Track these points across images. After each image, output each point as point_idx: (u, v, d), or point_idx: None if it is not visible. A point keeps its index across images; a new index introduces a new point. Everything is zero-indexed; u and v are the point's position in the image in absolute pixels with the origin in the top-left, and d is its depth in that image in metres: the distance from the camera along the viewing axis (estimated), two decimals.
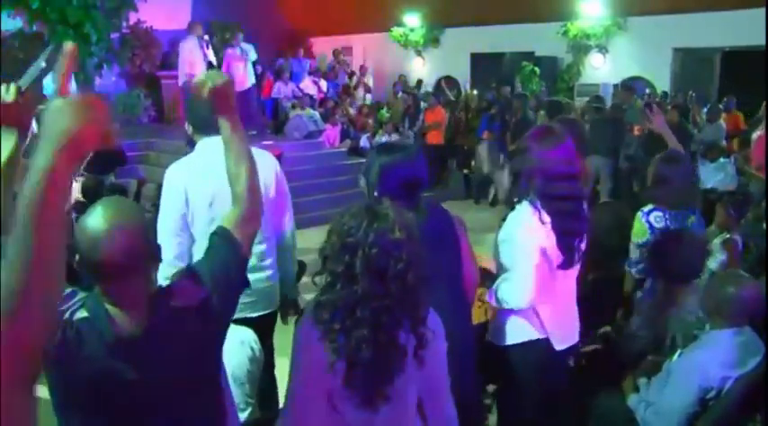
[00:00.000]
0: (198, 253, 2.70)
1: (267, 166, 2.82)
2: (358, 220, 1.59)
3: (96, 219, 1.38)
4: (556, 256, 2.45)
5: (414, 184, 2.19)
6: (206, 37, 8.99)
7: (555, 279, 2.47)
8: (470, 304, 2.50)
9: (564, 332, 2.56)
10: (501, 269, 2.54)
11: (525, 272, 2.39)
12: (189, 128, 2.83)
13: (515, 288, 2.42)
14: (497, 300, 2.50)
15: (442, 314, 2.20)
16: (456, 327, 2.29)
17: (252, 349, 2.49)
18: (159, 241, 2.66)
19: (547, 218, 2.41)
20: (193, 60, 8.93)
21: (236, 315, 2.68)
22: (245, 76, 9.58)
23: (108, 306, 1.42)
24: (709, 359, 2.48)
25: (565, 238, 2.43)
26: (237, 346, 2.48)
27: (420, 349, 1.64)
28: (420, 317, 1.64)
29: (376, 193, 2.20)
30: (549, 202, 2.40)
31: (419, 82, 13.83)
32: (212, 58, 9.28)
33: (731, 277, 2.63)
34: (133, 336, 1.42)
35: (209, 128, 2.70)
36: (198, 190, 2.67)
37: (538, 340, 2.51)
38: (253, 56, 9.77)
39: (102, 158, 5.12)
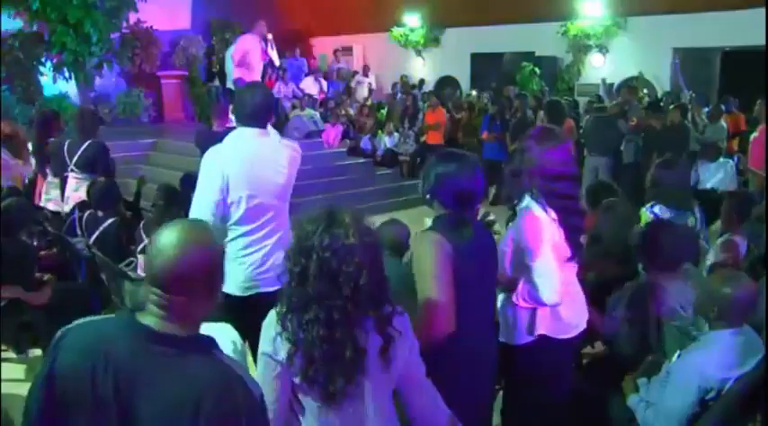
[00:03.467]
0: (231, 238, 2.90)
1: (294, 157, 3.10)
2: (315, 225, 1.66)
3: (171, 236, 1.41)
4: (563, 250, 2.50)
5: (466, 196, 2.25)
6: (269, 36, 8.94)
7: (563, 271, 2.52)
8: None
9: (572, 320, 2.61)
10: (519, 267, 2.53)
11: (551, 267, 2.43)
12: (232, 117, 3.14)
13: (548, 285, 2.42)
14: (530, 298, 2.50)
15: (477, 325, 2.27)
16: (486, 341, 2.38)
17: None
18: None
19: (554, 214, 2.48)
20: (249, 59, 8.79)
21: (253, 291, 2.93)
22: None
23: (143, 315, 1.43)
24: (707, 361, 2.48)
25: (572, 233, 2.50)
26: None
27: (386, 348, 1.69)
28: (384, 317, 1.69)
29: (428, 196, 2.29)
30: (553, 200, 2.47)
31: (421, 81, 13.82)
32: (275, 59, 9.34)
33: (727, 277, 2.62)
34: (173, 333, 1.40)
35: (251, 122, 2.98)
36: (237, 175, 2.86)
37: (549, 336, 2.56)
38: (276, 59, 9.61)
39: (94, 160, 5.11)
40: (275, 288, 2.92)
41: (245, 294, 2.96)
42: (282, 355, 1.69)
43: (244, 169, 2.88)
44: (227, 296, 2.92)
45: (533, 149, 2.50)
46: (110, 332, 1.43)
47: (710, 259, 3.93)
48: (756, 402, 2.44)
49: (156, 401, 1.36)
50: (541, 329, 2.55)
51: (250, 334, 2.92)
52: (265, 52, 8.88)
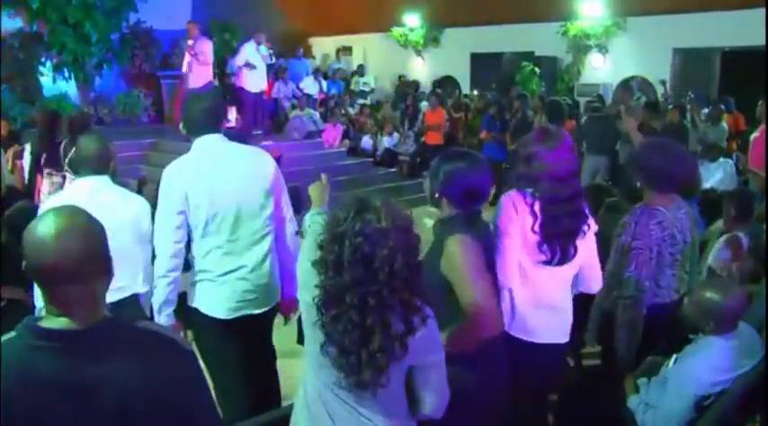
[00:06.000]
0: (199, 251, 2.78)
1: (268, 166, 2.90)
2: (347, 211, 1.66)
3: (46, 224, 1.34)
4: (537, 252, 2.45)
5: (474, 192, 2.25)
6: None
7: (540, 272, 2.48)
8: None
9: (543, 327, 2.53)
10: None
11: (510, 247, 2.42)
12: (183, 130, 2.91)
13: (502, 263, 2.42)
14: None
15: None
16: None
17: None
18: (156, 239, 2.78)
19: (530, 200, 2.43)
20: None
21: (240, 313, 2.81)
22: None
23: (44, 321, 1.35)
24: (702, 366, 2.49)
25: (557, 238, 2.44)
26: None
27: (406, 335, 1.67)
28: (413, 305, 1.68)
29: (437, 195, 2.28)
30: (554, 205, 2.42)
31: (433, 82, 13.83)
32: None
33: (714, 287, 2.62)
34: (69, 328, 1.32)
35: (203, 129, 2.81)
36: (198, 189, 2.71)
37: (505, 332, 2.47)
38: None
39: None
40: (264, 309, 2.89)
41: (231, 317, 2.81)
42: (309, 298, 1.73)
43: (205, 179, 2.72)
44: (212, 319, 2.80)
45: (542, 153, 2.46)
46: (13, 353, 1.31)
47: (711, 259, 3.92)
48: (755, 403, 2.44)
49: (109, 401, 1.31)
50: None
51: (242, 361, 2.88)
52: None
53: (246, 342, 2.89)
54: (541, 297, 2.52)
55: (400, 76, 14.18)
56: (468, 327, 2.07)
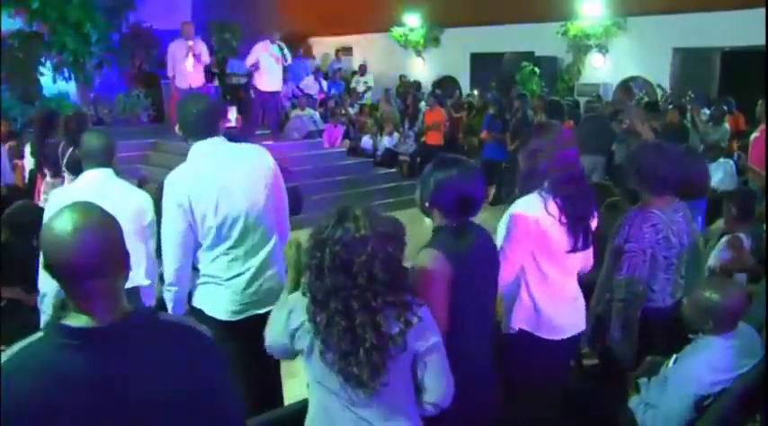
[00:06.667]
0: (205, 258, 2.77)
1: (267, 165, 2.88)
2: (328, 220, 1.74)
3: (63, 220, 1.34)
4: (563, 243, 2.46)
5: (467, 201, 2.19)
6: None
7: (554, 268, 2.50)
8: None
9: (557, 320, 2.54)
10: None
11: (510, 253, 2.44)
12: (179, 132, 2.87)
13: (505, 265, 2.41)
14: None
15: (476, 324, 2.23)
16: (483, 340, 2.30)
17: None
18: (163, 251, 2.77)
19: (553, 210, 2.43)
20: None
21: (243, 315, 2.82)
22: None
23: (69, 319, 1.37)
24: (702, 366, 2.49)
25: (578, 221, 2.47)
26: None
27: (403, 333, 1.73)
28: (403, 304, 1.75)
29: (427, 204, 2.22)
30: (563, 187, 2.44)
31: (434, 82, 13.82)
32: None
33: (713, 286, 2.62)
34: (93, 325, 1.34)
35: (199, 133, 2.78)
36: (202, 197, 2.67)
37: (526, 331, 2.52)
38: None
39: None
40: (268, 308, 2.85)
41: (234, 319, 2.81)
42: (301, 345, 1.79)
43: (208, 185, 2.68)
44: (213, 320, 2.78)
45: (543, 145, 2.49)
46: (41, 353, 1.34)
47: (712, 259, 3.91)
48: (755, 403, 2.44)
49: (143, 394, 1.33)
50: (519, 323, 2.51)
51: (245, 362, 2.82)
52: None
53: (249, 343, 2.87)
54: (559, 292, 2.54)
55: (401, 76, 14.19)
56: None
